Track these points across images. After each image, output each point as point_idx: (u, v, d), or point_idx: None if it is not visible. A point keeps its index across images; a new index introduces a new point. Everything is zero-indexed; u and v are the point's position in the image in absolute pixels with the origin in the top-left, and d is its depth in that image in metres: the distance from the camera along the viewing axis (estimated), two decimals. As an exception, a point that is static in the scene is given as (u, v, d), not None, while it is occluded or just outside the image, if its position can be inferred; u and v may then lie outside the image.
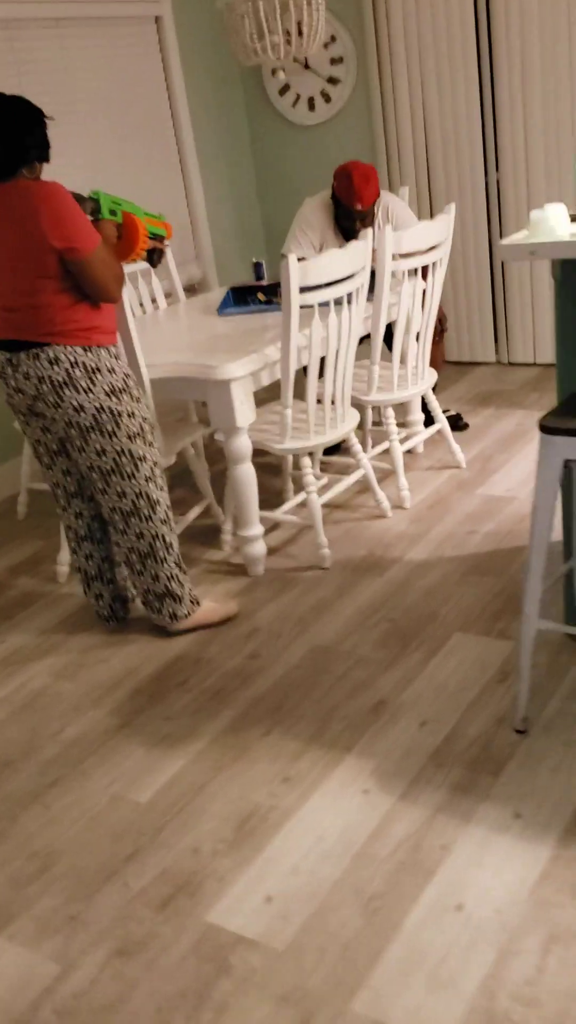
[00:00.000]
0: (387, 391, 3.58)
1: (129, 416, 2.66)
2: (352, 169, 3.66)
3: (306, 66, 5.14)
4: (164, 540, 2.81)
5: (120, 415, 2.64)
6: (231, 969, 1.80)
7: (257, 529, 3.20)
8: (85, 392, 2.60)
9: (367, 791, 2.20)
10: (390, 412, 3.64)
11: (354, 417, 3.32)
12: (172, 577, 2.85)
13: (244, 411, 3.02)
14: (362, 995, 1.71)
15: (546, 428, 2.10)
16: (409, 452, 4.15)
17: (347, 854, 2.02)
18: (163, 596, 2.86)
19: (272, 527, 3.62)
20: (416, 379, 3.63)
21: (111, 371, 2.63)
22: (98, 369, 2.61)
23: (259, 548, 3.23)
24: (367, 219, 3.77)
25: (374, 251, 3.24)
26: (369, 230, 3.37)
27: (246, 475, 3.10)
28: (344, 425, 3.25)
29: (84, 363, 2.58)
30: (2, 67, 4.11)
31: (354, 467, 3.70)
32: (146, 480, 2.74)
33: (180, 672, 2.79)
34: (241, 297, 3.77)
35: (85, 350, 2.59)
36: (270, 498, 3.81)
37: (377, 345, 3.47)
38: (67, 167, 4.43)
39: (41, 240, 2.44)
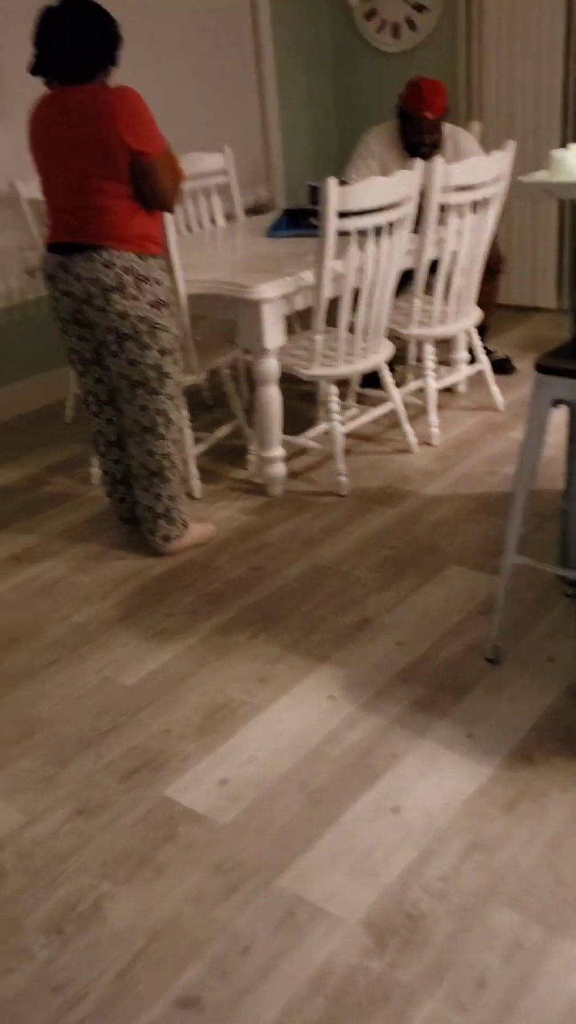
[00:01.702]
0: (427, 326, 3.61)
1: (164, 331, 2.73)
2: (421, 79, 3.67)
3: (394, -9, 5.05)
4: (171, 461, 2.90)
5: (157, 328, 2.71)
6: (176, 837, 1.96)
7: (278, 451, 3.30)
8: (132, 299, 2.65)
9: (333, 697, 2.32)
10: (430, 348, 3.67)
11: (387, 349, 3.37)
12: (172, 498, 2.95)
13: (273, 333, 3.09)
14: (289, 873, 1.85)
15: (541, 367, 2.14)
16: (449, 390, 4.18)
17: (301, 750, 2.16)
18: (160, 516, 2.96)
19: (298, 452, 3.72)
20: (459, 316, 3.64)
21: (158, 282, 2.69)
22: (147, 278, 2.66)
23: (279, 469, 3.34)
24: (435, 135, 3.76)
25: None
26: (431, 159, 3.36)
27: (271, 397, 3.19)
28: (375, 356, 3.30)
29: (136, 269, 2.64)
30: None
31: (387, 400, 3.75)
32: (167, 398, 2.82)
33: (187, 575, 2.94)
34: (293, 220, 3.81)
35: (139, 257, 2.65)
36: (303, 424, 3.90)
37: (420, 279, 3.49)
38: (142, 80, 4.48)
39: (116, 140, 2.49)
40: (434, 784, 2.04)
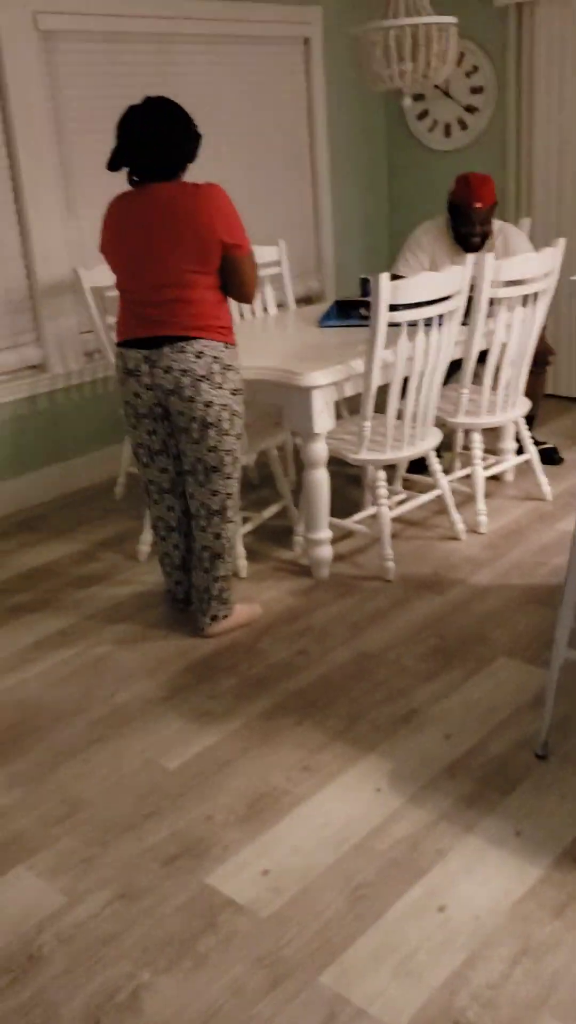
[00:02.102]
0: (475, 415, 3.65)
1: (240, 418, 2.81)
2: (470, 173, 3.81)
3: (446, 93, 5.25)
4: (231, 543, 2.96)
5: (235, 415, 2.78)
6: (217, 927, 1.93)
7: (325, 533, 3.32)
8: (218, 388, 2.72)
9: (379, 789, 2.29)
10: (477, 437, 3.70)
11: (434, 437, 3.41)
12: (227, 578, 3.00)
13: (323, 418, 3.15)
14: (331, 970, 1.81)
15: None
16: (496, 479, 4.19)
17: (346, 843, 2.12)
18: (214, 598, 3.00)
19: (345, 535, 3.74)
20: (507, 406, 3.68)
21: (236, 371, 2.78)
22: (230, 367, 2.74)
23: (325, 552, 3.36)
24: (485, 226, 3.86)
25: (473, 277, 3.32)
26: (480, 254, 3.44)
27: (319, 480, 3.23)
28: (422, 443, 3.34)
29: (222, 359, 2.72)
30: (153, 77, 4.38)
31: (434, 487, 3.77)
32: (236, 481, 2.89)
33: (231, 657, 2.94)
34: (344, 311, 3.90)
35: (224, 347, 2.73)
36: (348, 507, 3.93)
37: (468, 369, 3.55)
38: (202, 176, 4.67)
39: (213, 236, 2.60)
40: (481, 883, 1.99)
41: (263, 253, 4.35)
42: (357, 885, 2.01)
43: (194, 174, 4.63)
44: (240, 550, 3.44)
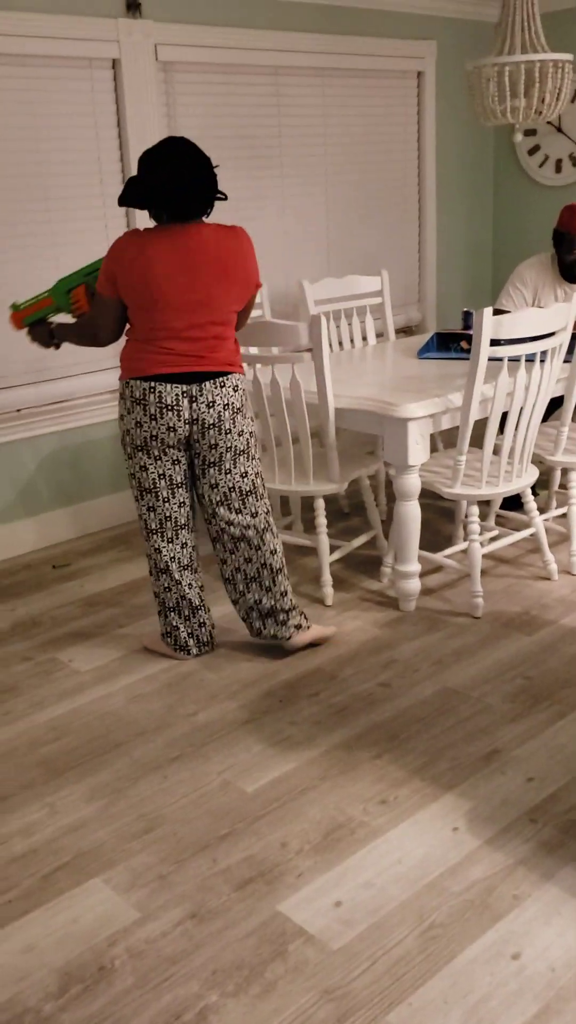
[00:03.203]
0: (574, 454, 3.59)
1: (259, 443, 2.94)
2: None
3: (558, 129, 5.21)
4: (283, 555, 3.05)
5: (256, 439, 2.94)
6: (287, 955, 1.92)
7: (414, 566, 3.30)
8: (246, 417, 2.88)
9: (457, 829, 2.25)
10: (575, 476, 3.64)
11: (531, 474, 3.36)
12: (291, 590, 3.07)
13: (418, 450, 3.14)
14: (399, 1011, 1.78)
15: None
16: (592, 519, 4.10)
17: (421, 881, 2.10)
18: (290, 609, 3.03)
19: (434, 569, 3.71)
20: (606, 447, 3.61)
21: (249, 399, 2.93)
22: (249, 395, 2.86)
23: (414, 584, 3.34)
24: None
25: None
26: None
27: (411, 512, 3.22)
28: (519, 480, 3.30)
29: (246, 390, 2.91)
30: (265, 108, 4.48)
31: (528, 525, 3.72)
32: (267, 499, 3.01)
33: (314, 684, 2.94)
34: (444, 343, 3.89)
35: (242, 379, 2.89)
36: (439, 541, 3.90)
37: (569, 407, 3.49)
38: (310, 204, 4.74)
39: (248, 277, 2.77)
40: (558, 933, 1.93)
41: (366, 283, 4.38)
42: (430, 925, 1.98)
43: (305, 207, 4.70)
44: (327, 577, 3.45)
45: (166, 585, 3.02)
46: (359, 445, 3.83)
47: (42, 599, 3.64)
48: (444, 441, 4.26)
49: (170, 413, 2.77)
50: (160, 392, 2.76)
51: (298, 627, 3.06)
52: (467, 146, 5.43)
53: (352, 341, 4.38)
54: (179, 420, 2.79)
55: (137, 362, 2.77)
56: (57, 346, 2.98)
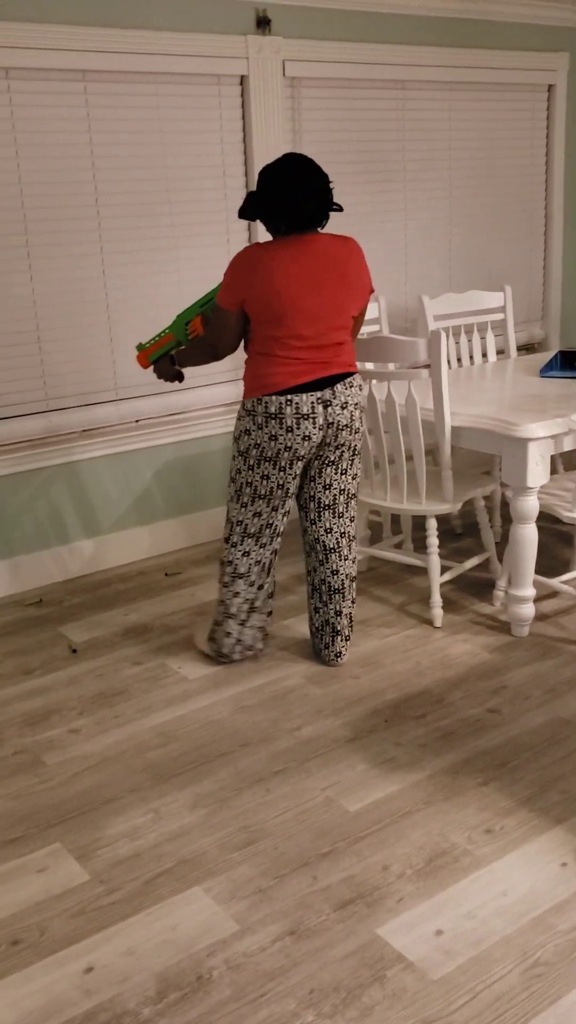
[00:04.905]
0: None
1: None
2: None
3: None
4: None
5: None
6: (385, 981, 1.90)
7: (529, 591, 3.22)
8: (361, 418, 2.93)
9: (566, 864, 2.18)
10: None
11: None
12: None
13: (537, 472, 3.07)
14: (500, 1049, 1.73)
15: None
16: None
17: (526, 916, 2.04)
18: (353, 621, 3.09)
19: (550, 594, 3.61)
20: None
21: None
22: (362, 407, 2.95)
23: (527, 609, 3.26)
24: None
25: None
26: None
27: (528, 535, 3.15)
28: None
29: (361, 389, 2.93)
30: (390, 122, 4.47)
31: None
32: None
33: (421, 706, 2.90)
34: (568, 362, 3.80)
35: (359, 377, 2.94)
36: (556, 566, 3.80)
37: None
38: (433, 218, 4.71)
39: (364, 283, 2.84)
40: None
41: (488, 299, 4.32)
42: (535, 962, 1.92)
43: (431, 220, 4.67)
44: (437, 599, 3.40)
45: (235, 591, 3.05)
46: (474, 465, 3.77)
47: (154, 606, 3.71)
48: (564, 463, 4.14)
49: (306, 422, 2.81)
50: (297, 404, 2.79)
51: (348, 639, 3.14)
52: (597, 160, 5.30)
53: (472, 358, 4.32)
54: (314, 427, 2.82)
55: (268, 378, 2.78)
56: (181, 378, 3.08)
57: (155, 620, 3.58)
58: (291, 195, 2.69)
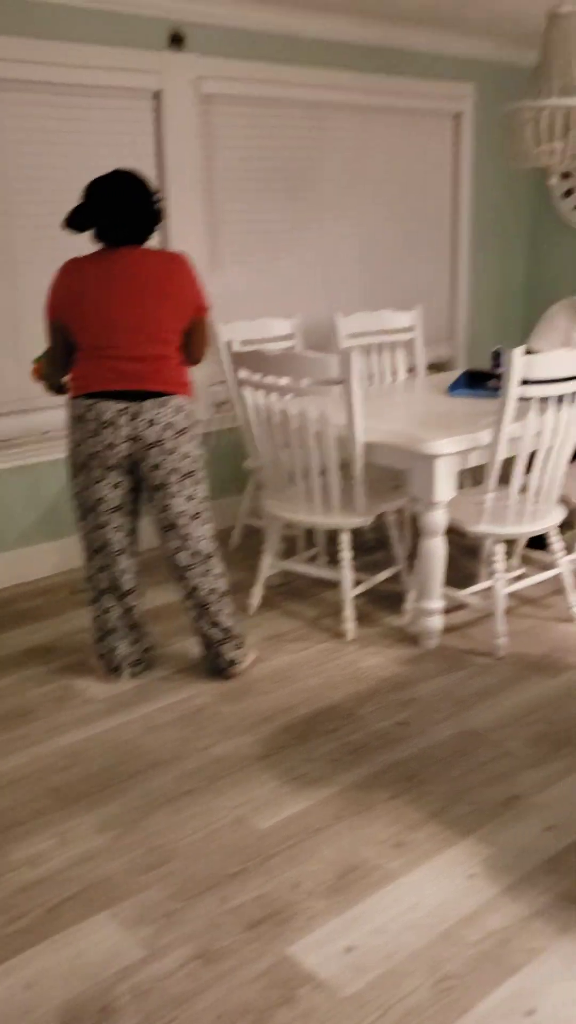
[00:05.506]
0: (601, 497, 3.55)
1: (204, 468, 2.97)
2: None
3: (594, 172, 5.21)
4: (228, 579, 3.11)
5: (203, 466, 2.97)
6: (295, 1001, 1.87)
7: (437, 603, 3.26)
8: (191, 440, 2.90)
9: (473, 876, 2.20)
10: (602, 518, 3.60)
11: (557, 514, 3.32)
12: (235, 614, 3.11)
13: (445, 487, 3.11)
14: (410, 1065, 1.72)
15: None
16: (618, 563, 4.04)
17: (435, 929, 2.04)
18: (237, 636, 3.09)
19: (457, 607, 3.66)
20: None
21: (198, 424, 2.96)
22: (196, 421, 2.93)
23: (436, 622, 3.29)
24: None
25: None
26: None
27: (436, 549, 3.19)
28: (544, 520, 3.26)
29: (191, 413, 2.92)
30: (305, 143, 4.51)
31: (553, 565, 3.66)
32: (212, 523, 3.04)
33: (332, 720, 2.90)
34: (474, 381, 3.88)
35: (190, 402, 2.92)
36: (463, 579, 3.85)
37: (598, 450, 3.45)
38: (346, 239, 4.76)
39: (189, 299, 2.85)
40: (575, 990, 1.87)
41: (399, 318, 4.38)
42: (444, 975, 1.92)
43: (342, 238, 4.71)
44: (349, 612, 3.41)
45: (104, 608, 3.06)
46: (386, 479, 3.79)
47: (60, 624, 3.63)
48: (471, 478, 4.22)
49: (107, 430, 2.81)
50: (99, 409, 2.81)
51: (243, 653, 3.12)
52: (502, 187, 5.44)
53: (383, 375, 4.37)
54: (117, 437, 2.82)
55: (78, 380, 2.85)
56: (63, 391, 3.01)
57: (61, 639, 3.50)
58: (105, 209, 2.75)
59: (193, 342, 2.94)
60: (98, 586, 3.05)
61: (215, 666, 3.13)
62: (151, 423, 2.82)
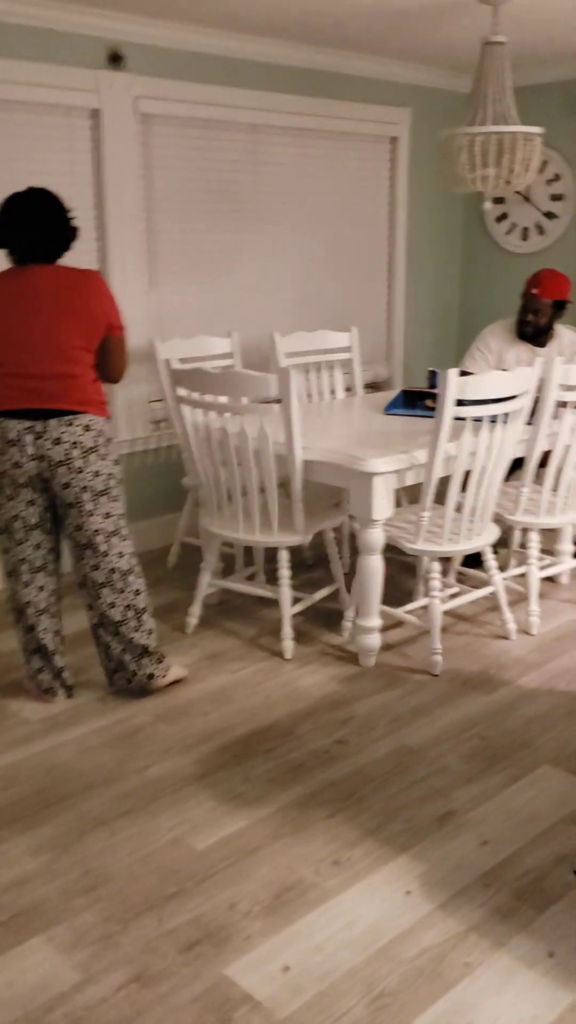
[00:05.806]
0: (533, 515, 3.62)
1: (120, 485, 2.96)
2: (546, 268, 3.95)
3: (526, 199, 5.34)
4: (147, 595, 3.08)
5: (119, 483, 2.95)
6: (231, 1023, 1.86)
7: (375, 621, 3.29)
8: (103, 458, 2.88)
9: (409, 892, 2.21)
10: (534, 536, 3.66)
11: (492, 532, 3.38)
12: (154, 633, 3.08)
13: (382, 505, 3.14)
14: None
15: None
16: (551, 580, 4.13)
17: (371, 947, 2.05)
18: (152, 653, 3.06)
19: (395, 624, 3.69)
20: (566, 508, 3.64)
21: (112, 442, 2.94)
22: (111, 439, 2.93)
23: (374, 640, 3.32)
24: (539, 318, 3.94)
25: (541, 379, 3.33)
26: (540, 358, 3.46)
27: (374, 566, 3.22)
28: (479, 538, 3.31)
29: (104, 432, 2.90)
30: (244, 164, 4.54)
31: (488, 583, 3.72)
32: (132, 540, 3.03)
33: (270, 740, 2.90)
34: (410, 400, 3.93)
35: (105, 421, 2.91)
36: (401, 597, 3.89)
37: (530, 469, 3.53)
38: (284, 259, 4.80)
39: (98, 316, 2.82)
40: (510, 1004, 1.89)
41: (335, 339, 4.43)
42: (380, 993, 1.93)
43: (279, 259, 4.75)
44: (287, 631, 3.42)
45: (28, 626, 3.03)
46: (324, 498, 3.82)
47: (-5, 643, 3.57)
48: (408, 497, 4.27)
49: (13, 448, 2.81)
50: (4, 428, 2.80)
51: (151, 677, 3.08)
52: (437, 211, 5.55)
53: (321, 394, 4.41)
54: (23, 456, 2.81)
55: None
56: None
57: (-4, 659, 3.44)
58: (17, 226, 2.75)
59: (107, 361, 2.92)
60: (18, 604, 3.01)
61: (133, 682, 3.08)
62: (57, 442, 2.80)
